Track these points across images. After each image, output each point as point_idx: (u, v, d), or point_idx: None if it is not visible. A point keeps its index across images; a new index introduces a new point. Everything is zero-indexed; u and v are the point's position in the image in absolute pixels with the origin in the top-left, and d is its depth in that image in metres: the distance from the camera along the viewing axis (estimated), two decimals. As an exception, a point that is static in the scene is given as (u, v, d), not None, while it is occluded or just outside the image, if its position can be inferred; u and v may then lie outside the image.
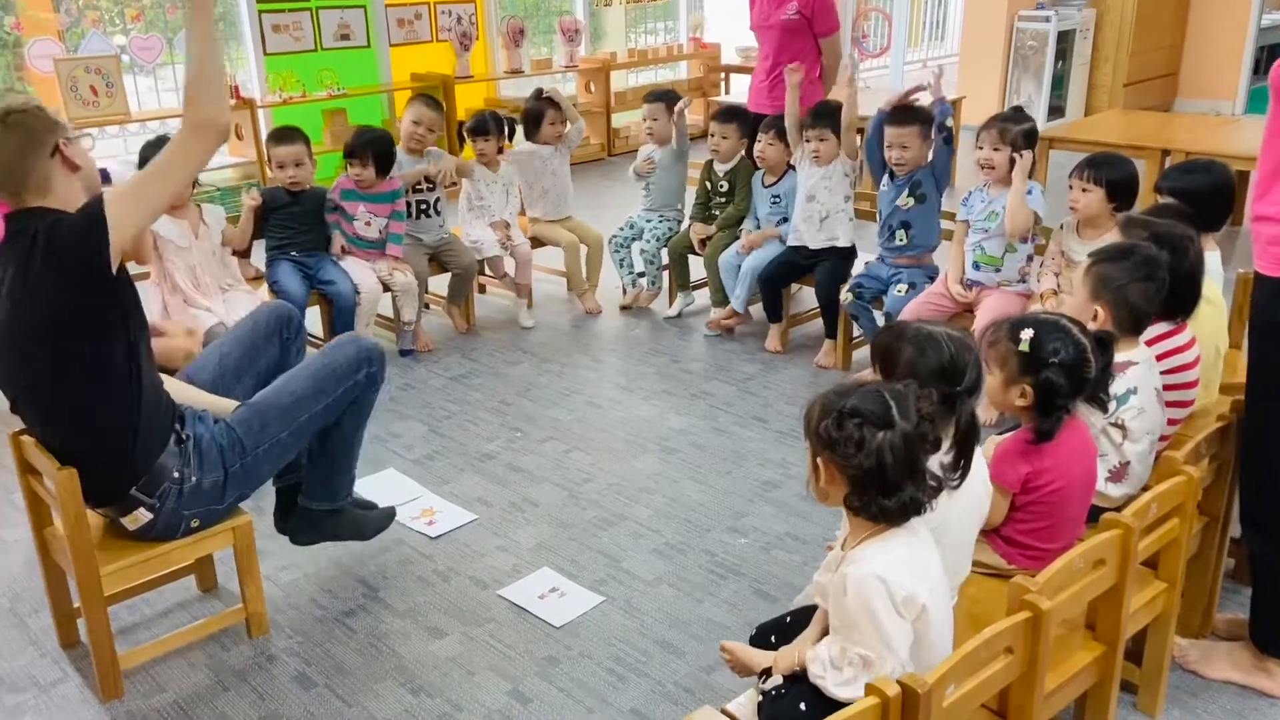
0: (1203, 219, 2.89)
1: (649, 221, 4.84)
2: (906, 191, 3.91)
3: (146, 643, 2.49)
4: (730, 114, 4.61)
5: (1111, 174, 3.29)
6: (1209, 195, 2.94)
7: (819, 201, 4.18)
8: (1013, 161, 3.54)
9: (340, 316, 4.04)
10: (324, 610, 2.68)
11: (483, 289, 5.07)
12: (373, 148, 4.18)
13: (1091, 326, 2.21)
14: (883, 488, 1.62)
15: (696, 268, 4.75)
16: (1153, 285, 2.28)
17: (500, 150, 4.67)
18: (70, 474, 2.16)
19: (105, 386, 2.17)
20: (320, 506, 2.65)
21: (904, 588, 1.60)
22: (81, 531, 2.20)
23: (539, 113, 4.75)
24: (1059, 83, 8.63)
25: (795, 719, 1.69)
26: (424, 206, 4.49)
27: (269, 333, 2.69)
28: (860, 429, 1.61)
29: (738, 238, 4.48)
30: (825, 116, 4.17)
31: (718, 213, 4.63)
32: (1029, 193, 3.53)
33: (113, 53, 5.85)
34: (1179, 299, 2.45)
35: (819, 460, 1.67)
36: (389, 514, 2.83)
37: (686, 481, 3.31)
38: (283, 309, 2.78)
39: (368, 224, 4.22)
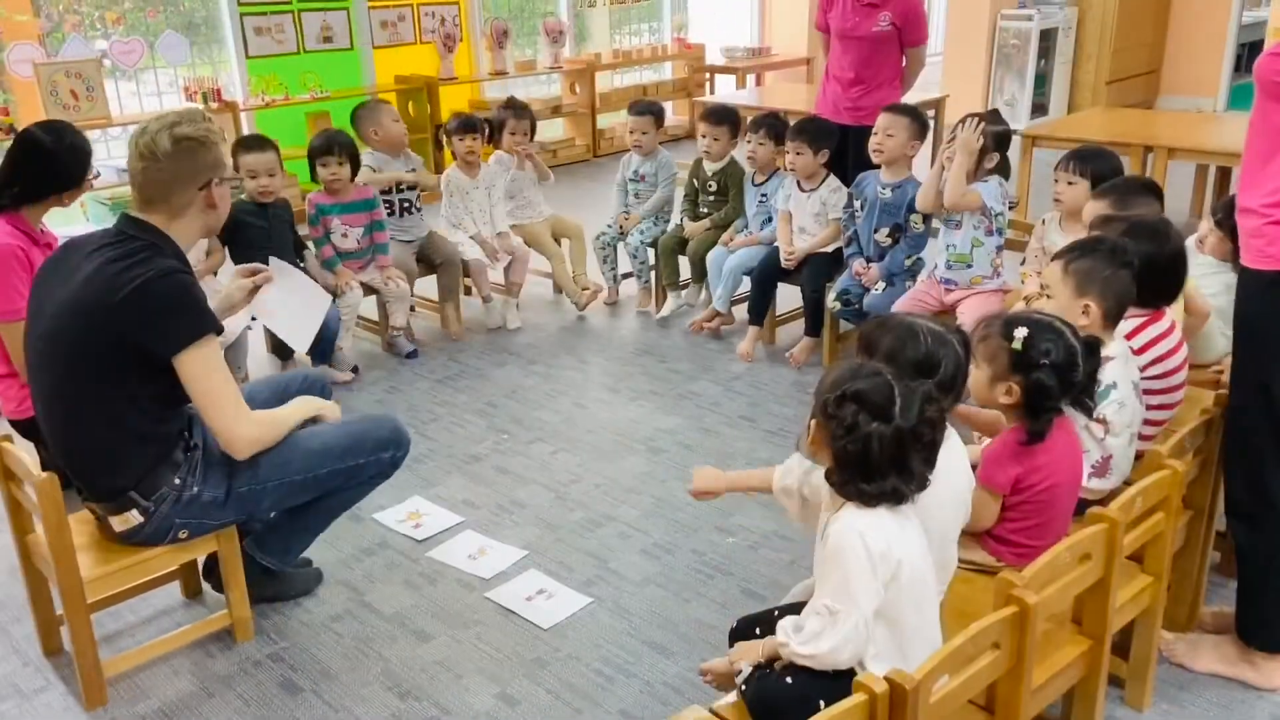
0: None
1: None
2: (886, 231, 3.94)
3: (130, 650, 2.47)
4: (722, 115, 4.57)
5: (1098, 166, 3.29)
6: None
7: (808, 233, 4.21)
8: (980, 163, 3.51)
9: (323, 337, 3.99)
10: (310, 615, 2.66)
11: (468, 290, 5.05)
12: (345, 148, 4.14)
13: (1083, 322, 2.21)
14: (864, 473, 1.65)
15: (686, 266, 4.75)
16: (1129, 272, 2.29)
17: (480, 154, 4.66)
18: (51, 480, 2.14)
19: (134, 405, 2.22)
20: (265, 561, 2.60)
21: (881, 541, 1.63)
22: (63, 538, 2.18)
23: (500, 121, 4.75)
24: (1041, 81, 8.66)
25: (782, 692, 1.70)
26: (406, 204, 4.49)
27: (300, 390, 2.71)
28: (855, 415, 1.64)
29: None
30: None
31: (705, 211, 4.64)
32: (984, 181, 3.52)
33: (93, 56, 5.81)
34: (1163, 286, 2.45)
35: (813, 423, 1.71)
36: (316, 576, 2.78)
37: (674, 482, 3.30)
38: (316, 376, 2.81)
39: (344, 235, 4.19)
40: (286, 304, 3.02)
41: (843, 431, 1.64)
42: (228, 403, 2.24)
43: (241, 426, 2.27)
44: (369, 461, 2.53)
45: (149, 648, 2.44)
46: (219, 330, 2.27)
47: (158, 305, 2.15)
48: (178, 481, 2.28)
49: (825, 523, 1.74)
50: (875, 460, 1.63)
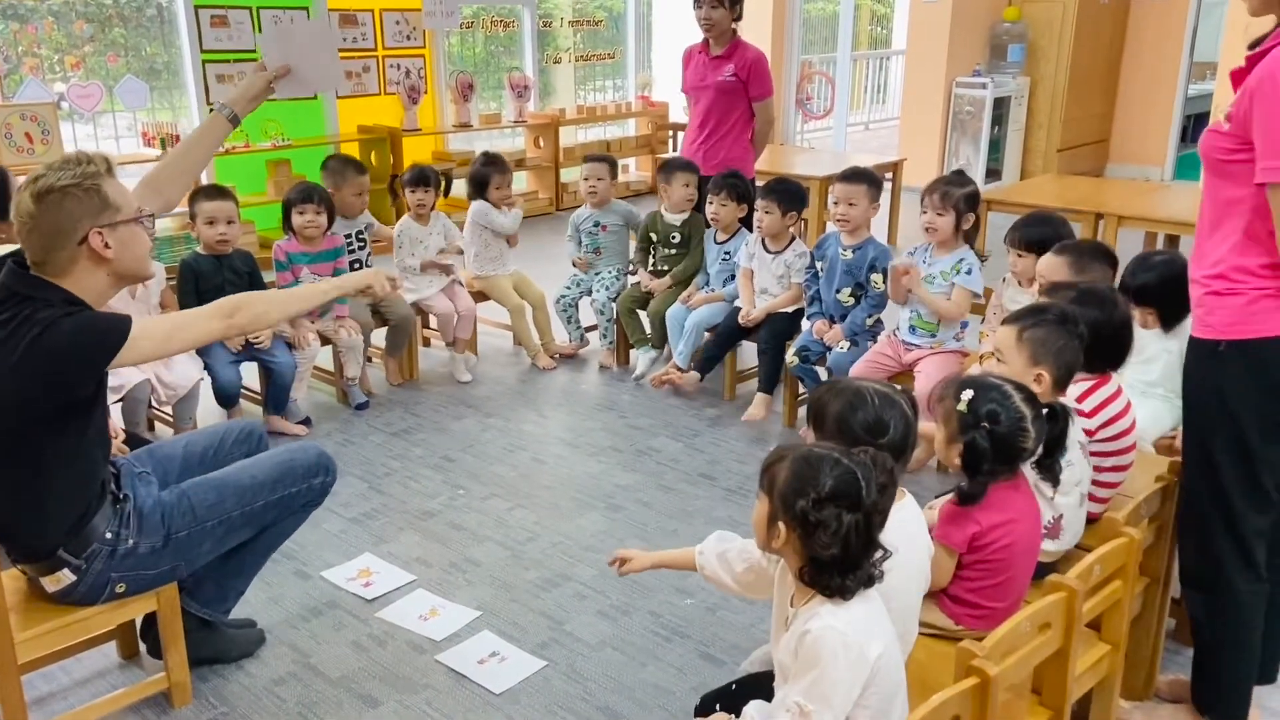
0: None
1: (598, 275, 4.85)
2: (849, 291, 3.96)
3: (63, 713, 2.37)
4: (685, 163, 4.67)
5: (1043, 234, 3.36)
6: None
7: (769, 294, 4.24)
8: (958, 225, 3.58)
9: (277, 385, 3.98)
10: (251, 678, 2.57)
11: (427, 342, 5.01)
12: (324, 199, 4.16)
13: (1035, 389, 2.22)
14: (842, 568, 1.60)
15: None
16: (1081, 342, 2.32)
17: (432, 207, 4.66)
18: (-17, 536, 2.06)
19: (48, 463, 2.12)
20: (200, 612, 2.51)
21: (861, 640, 1.59)
22: (-6, 597, 2.09)
23: (485, 177, 4.77)
24: (995, 147, 8.88)
25: None
26: (357, 265, 4.47)
27: (237, 440, 2.66)
28: (838, 517, 1.58)
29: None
30: (781, 193, 4.17)
31: (665, 267, 4.65)
32: (969, 272, 3.58)
33: (50, 100, 5.75)
34: (1110, 351, 2.48)
35: (781, 525, 1.64)
36: (258, 637, 2.71)
37: (632, 540, 3.25)
38: (253, 426, 2.74)
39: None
40: (296, 54, 2.71)
41: (828, 538, 1.58)
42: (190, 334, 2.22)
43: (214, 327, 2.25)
44: (300, 490, 2.50)
45: (82, 712, 2.34)
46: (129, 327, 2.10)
47: (56, 353, 2.02)
48: (109, 535, 2.20)
49: (794, 614, 1.69)
50: (853, 551, 1.58)
